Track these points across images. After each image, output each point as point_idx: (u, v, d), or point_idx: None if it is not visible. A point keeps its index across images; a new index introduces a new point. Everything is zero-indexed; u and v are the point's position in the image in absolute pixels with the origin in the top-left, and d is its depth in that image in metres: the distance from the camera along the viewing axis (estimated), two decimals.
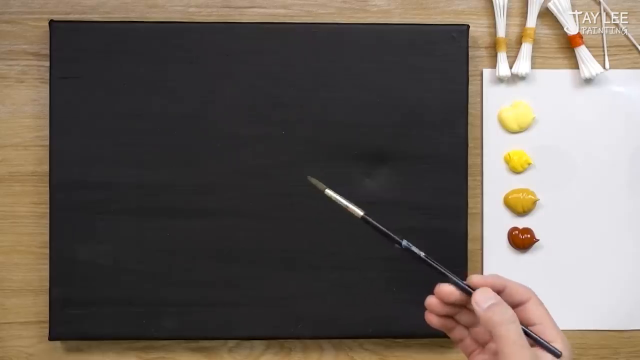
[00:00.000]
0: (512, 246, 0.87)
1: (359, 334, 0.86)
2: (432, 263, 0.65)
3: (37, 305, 0.86)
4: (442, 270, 0.64)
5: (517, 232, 0.87)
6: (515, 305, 0.62)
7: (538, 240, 0.87)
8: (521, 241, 0.87)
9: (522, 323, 0.61)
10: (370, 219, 0.65)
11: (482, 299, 0.61)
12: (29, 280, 0.86)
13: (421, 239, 0.84)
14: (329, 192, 0.66)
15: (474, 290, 0.62)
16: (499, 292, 0.62)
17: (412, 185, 0.85)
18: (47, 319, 0.84)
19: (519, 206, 0.87)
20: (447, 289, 0.63)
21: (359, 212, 0.65)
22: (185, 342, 0.87)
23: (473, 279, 0.63)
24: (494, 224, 0.88)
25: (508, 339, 0.59)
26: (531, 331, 0.62)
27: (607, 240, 0.88)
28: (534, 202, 0.87)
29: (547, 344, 0.61)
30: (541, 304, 0.63)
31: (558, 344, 0.61)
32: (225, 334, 0.85)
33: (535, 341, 0.61)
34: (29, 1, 0.87)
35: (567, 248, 0.88)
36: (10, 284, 0.87)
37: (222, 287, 0.84)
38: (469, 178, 0.86)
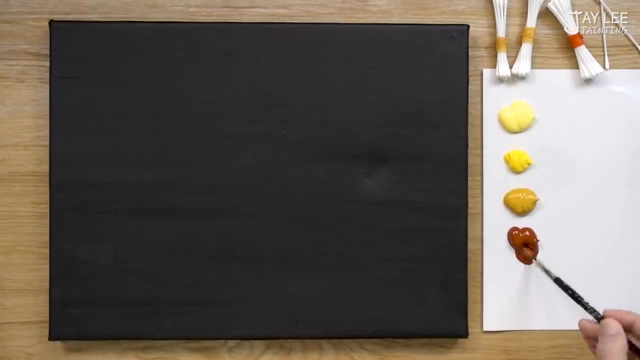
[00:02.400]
0: (512, 246, 0.88)
1: (359, 334, 0.86)
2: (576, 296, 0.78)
3: (37, 305, 0.86)
4: (581, 302, 0.77)
5: (517, 232, 0.87)
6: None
7: (538, 240, 0.87)
8: (520, 240, 0.87)
9: None
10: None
11: (604, 329, 0.68)
12: (29, 280, 0.86)
13: (421, 239, 0.85)
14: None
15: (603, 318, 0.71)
16: (628, 326, 0.68)
17: (412, 185, 0.85)
18: (47, 319, 0.84)
19: (519, 206, 0.87)
20: (582, 324, 0.74)
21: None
22: (185, 342, 0.87)
23: (605, 311, 0.72)
24: (494, 224, 0.87)
25: None
26: None
27: (606, 240, 0.88)
28: (534, 202, 0.87)
29: None
30: None
31: None
32: (225, 334, 0.85)
33: None
34: (29, 1, 0.87)
35: (566, 248, 0.88)
36: (10, 284, 0.87)
37: (222, 287, 0.84)
38: (469, 178, 0.86)
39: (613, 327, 0.68)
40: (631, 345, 0.69)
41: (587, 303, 0.76)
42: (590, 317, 0.74)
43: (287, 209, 0.84)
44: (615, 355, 0.65)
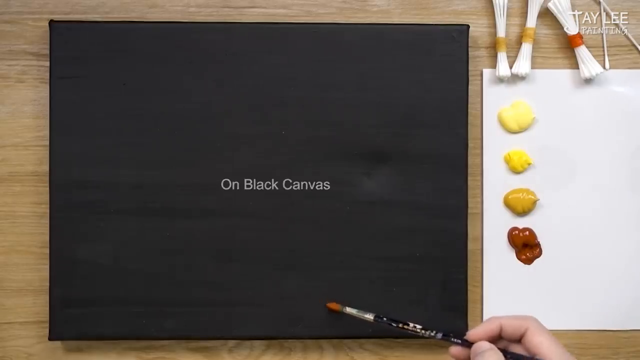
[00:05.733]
0: (512, 246, 0.88)
1: (359, 334, 0.86)
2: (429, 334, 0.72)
3: (37, 305, 0.86)
4: (445, 338, 0.70)
5: (517, 232, 0.87)
6: (519, 338, 0.65)
7: (538, 242, 0.87)
8: (520, 240, 0.87)
9: (528, 352, 0.64)
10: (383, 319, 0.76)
11: (473, 350, 0.65)
12: (29, 280, 0.86)
13: (421, 239, 0.85)
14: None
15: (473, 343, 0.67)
16: (497, 334, 0.66)
17: (412, 185, 0.85)
18: (47, 319, 0.84)
19: (519, 206, 0.87)
20: (455, 351, 0.68)
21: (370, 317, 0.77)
22: (185, 342, 0.87)
23: (469, 336, 0.67)
24: (494, 224, 0.88)
25: None
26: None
27: (606, 240, 0.88)
28: (534, 202, 0.87)
29: None
30: (540, 332, 0.65)
31: None
32: (225, 334, 0.85)
33: None
34: (29, 1, 0.87)
35: (566, 248, 0.88)
36: (10, 284, 0.87)
37: (222, 287, 0.84)
38: (469, 178, 0.86)
39: (482, 345, 0.65)
40: (508, 353, 0.66)
41: (446, 333, 0.70)
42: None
43: (287, 209, 0.84)
44: None
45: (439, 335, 0.70)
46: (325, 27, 0.86)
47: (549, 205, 0.88)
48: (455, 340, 0.69)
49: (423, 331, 0.73)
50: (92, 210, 0.84)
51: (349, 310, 0.80)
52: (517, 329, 0.65)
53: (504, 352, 0.65)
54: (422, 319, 0.84)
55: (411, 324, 0.73)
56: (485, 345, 0.65)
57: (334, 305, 0.82)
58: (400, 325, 0.74)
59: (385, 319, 0.76)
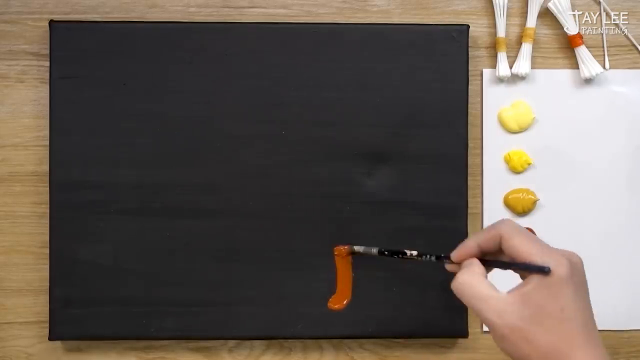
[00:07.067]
0: None
1: (359, 334, 0.86)
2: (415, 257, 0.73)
3: (37, 305, 0.86)
4: (439, 260, 0.70)
5: None
6: (499, 248, 0.63)
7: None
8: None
9: (511, 258, 0.62)
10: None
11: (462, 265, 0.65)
12: (29, 280, 0.86)
13: (421, 239, 0.85)
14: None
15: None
16: (478, 253, 0.65)
17: (412, 185, 0.85)
18: (47, 319, 0.84)
19: (519, 206, 0.87)
20: (449, 268, 0.68)
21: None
22: (185, 342, 0.87)
23: (452, 257, 0.66)
24: None
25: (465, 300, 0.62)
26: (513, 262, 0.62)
27: (607, 240, 0.88)
28: (534, 202, 0.87)
29: (528, 265, 0.60)
30: (512, 235, 0.62)
31: (547, 263, 0.60)
32: (225, 334, 0.85)
33: (520, 268, 0.61)
34: (29, 1, 0.87)
35: (566, 248, 0.88)
36: (10, 284, 0.87)
37: (222, 287, 0.84)
38: (469, 178, 0.86)
39: (466, 262, 0.65)
40: (486, 262, 0.65)
41: (438, 255, 0.70)
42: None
43: (287, 209, 0.84)
44: (462, 284, 0.62)
45: (433, 258, 0.70)
46: (325, 27, 0.86)
47: (549, 205, 0.88)
48: (448, 261, 0.68)
49: (419, 257, 0.72)
50: (92, 210, 0.84)
51: (357, 248, 0.81)
52: (492, 242, 0.64)
53: (489, 263, 0.64)
54: (422, 319, 0.84)
55: (408, 252, 0.73)
56: (469, 261, 0.65)
57: (341, 250, 0.83)
58: (400, 255, 0.75)
59: (386, 252, 0.77)
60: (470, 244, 0.65)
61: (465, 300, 0.62)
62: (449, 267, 0.68)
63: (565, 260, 0.60)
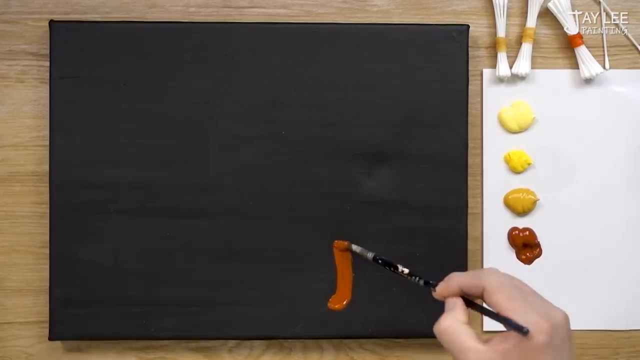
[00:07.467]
0: (512, 246, 0.88)
1: (359, 334, 0.86)
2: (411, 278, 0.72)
3: (37, 305, 0.86)
4: (426, 285, 0.69)
5: (517, 232, 0.87)
6: (481, 296, 0.63)
7: (537, 242, 0.87)
8: (520, 240, 0.87)
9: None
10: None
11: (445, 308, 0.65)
12: (29, 280, 0.86)
13: (421, 239, 0.85)
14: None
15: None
16: (459, 292, 0.64)
17: (412, 185, 0.85)
18: (47, 319, 0.84)
19: (519, 206, 0.87)
20: (436, 296, 0.67)
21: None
22: (185, 342, 0.87)
23: (436, 294, 0.66)
24: (494, 224, 0.88)
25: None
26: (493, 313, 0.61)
27: (607, 240, 0.88)
28: (534, 202, 0.87)
29: (512, 323, 0.59)
30: (495, 292, 0.61)
31: (527, 323, 0.58)
32: (225, 334, 0.85)
33: (500, 322, 0.60)
34: (29, 1, 0.87)
35: (566, 248, 0.88)
36: (10, 284, 0.87)
37: (222, 287, 0.84)
38: (469, 178, 0.86)
39: (450, 302, 0.64)
40: (476, 306, 0.64)
41: (427, 280, 0.69)
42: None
43: (287, 209, 0.84)
44: (444, 331, 0.61)
45: (421, 282, 0.69)
46: (325, 27, 0.86)
47: (549, 205, 0.88)
48: (434, 289, 0.67)
49: (409, 277, 0.71)
50: (92, 210, 0.84)
51: (354, 247, 0.80)
52: (475, 290, 0.63)
53: (473, 304, 0.63)
54: (422, 319, 0.84)
55: (400, 268, 0.72)
56: (452, 301, 0.64)
57: (340, 244, 0.82)
58: (392, 269, 0.73)
59: (380, 261, 0.75)
60: (453, 285, 0.65)
61: (445, 346, 0.62)
62: (435, 295, 0.67)
63: (546, 324, 0.58)
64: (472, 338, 0.60)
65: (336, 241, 0.83)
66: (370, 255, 0.77)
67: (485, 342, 0.60)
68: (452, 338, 0.61)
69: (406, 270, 0.72)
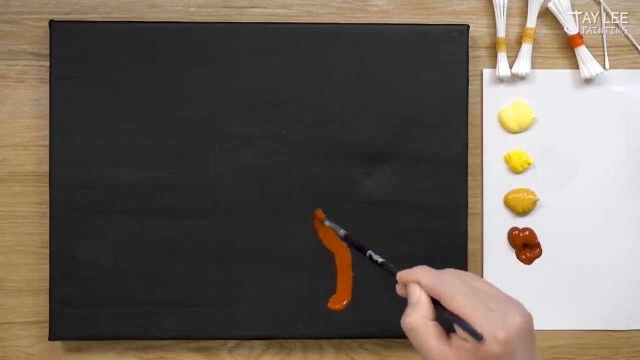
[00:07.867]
0: (512, 246, 0.88)
1: (359, 334, 0.86)
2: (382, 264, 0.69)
3: (37, 305, 0.86)
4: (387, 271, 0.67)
5: (517, 232, 0.87)
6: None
7: (537, 242, 0.87)
8: (520, 240, 0.87)
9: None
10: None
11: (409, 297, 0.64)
12: (29, 280, 0.86)
13: (421, 239, 0.85)
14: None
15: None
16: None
17: (412, 185, 0.85)
18: (47, 319, 0.84)
19: (519, 206, 0.87)
20: (399, 292, 0.66)
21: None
22: (185, 342, 0.87)
23: (399, 289, 0.65)
24: (494, 224, 0.88)
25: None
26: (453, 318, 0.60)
27: (607, 240, 0.88)
28: (534, 202, 0.87)
29: (468, 327, 0.58)
30: (454, 296, 0.60)
31: (481, 331, 0.58)
32: (225, 334, 0.85)
33: (457, 325, 0.59)
34: (29, 1, 0.87)
35: (566, 248, 0.88)
36: (10, 284, 0.87)
37: (221, 287, 0.84)
38: (469, 178, 0.86)
39: (414, 293, 0.63)
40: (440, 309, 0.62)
41: (388, 264, 0.68)
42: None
43: (287, 209, 0.84)
44: (408, 328, 0.61)
45: (394, 270, 0.66)
46: (325, 27, 0.86)
47: (549, 205, 0.88)
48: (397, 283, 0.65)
49: (379, 266, 0.69)
50: (92, 210, 0.84)
51: (327, 223, 0.80)
52: (434, 294, 0.62)
53: (439, 306, 0.62)
54: None
55: (367, 253, 0.70)
56: (417, 295, 0.63)
57: (319, 214, 0.83)
58: (362, 252, 0.71)
59: (350, 240, 0.75)
60: (415, 287, 0.63)
61: (411, 342, 0.62)
62: (399, 291, 0.65)
63: (502, 333, 0.57)
64: (437, 337, 0.60)
65: (316, 210, 0.83)
66: (342, 232, 0.77)
67: (448, 338, 0.60)
68: (418, 337, 0.61)
69: (380, 260, 0.69)
